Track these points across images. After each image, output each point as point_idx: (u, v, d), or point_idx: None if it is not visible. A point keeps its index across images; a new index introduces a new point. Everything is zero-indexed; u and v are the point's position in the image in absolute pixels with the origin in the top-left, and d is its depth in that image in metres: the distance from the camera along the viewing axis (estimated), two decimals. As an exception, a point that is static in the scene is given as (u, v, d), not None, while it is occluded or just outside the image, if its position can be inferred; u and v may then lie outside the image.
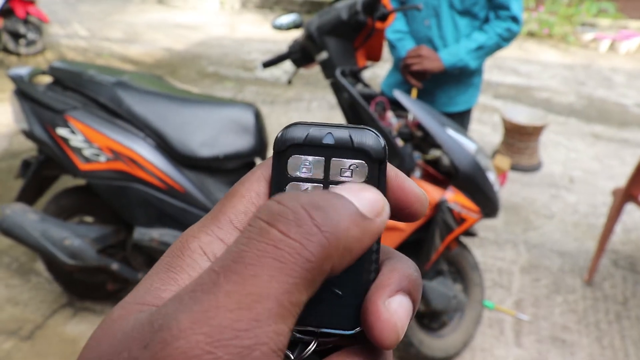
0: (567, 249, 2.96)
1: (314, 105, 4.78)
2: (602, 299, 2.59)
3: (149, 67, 5.60)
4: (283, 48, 6.51)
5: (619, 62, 6.88)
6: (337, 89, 1.87)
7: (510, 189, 3.53)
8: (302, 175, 0.25)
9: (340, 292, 0.24)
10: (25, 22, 5.69)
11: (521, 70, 6.23)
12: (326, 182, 0.25)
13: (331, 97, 4.94)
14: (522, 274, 2.72)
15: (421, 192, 0.26)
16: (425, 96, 2.18)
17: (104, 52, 6.16)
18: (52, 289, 2.37)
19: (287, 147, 0.25)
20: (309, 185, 0.25)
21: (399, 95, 1.84)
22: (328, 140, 0.25)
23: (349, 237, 0.21)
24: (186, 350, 0.18)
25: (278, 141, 0.26)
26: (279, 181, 0.25)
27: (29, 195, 2.16)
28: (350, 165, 0.25)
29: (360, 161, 0.25)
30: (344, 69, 1.80)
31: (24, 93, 1.96)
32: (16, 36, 5.72)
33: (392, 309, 0.23)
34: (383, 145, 0.25)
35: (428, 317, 2.07)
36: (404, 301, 0.23)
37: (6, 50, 5.78)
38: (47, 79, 2.06)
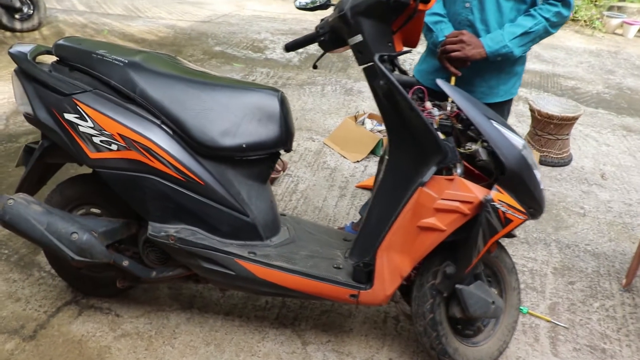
0: (602, 250, 2.79)
1: (328, 90, 4.59)
2: (642, 306, 2.42)
3: (152, 46, 5.40)
4: (294, 27, 6.31)
5: (648, 50, 6.63)
6: (372, 75, 1.69)
7: (539, 183, 3.35)
8: None
9: None
10: None
11: (545, 56, 5.99)
12: None
13: (346, 82, 4.75)
14: (555, 276, 2.56)
15: None
16: (463, 85, 1.99)
17: (104, 29, 5.94)
18: (55, 284, 2.23)
19: None
20: None
21: (441, 83, 1.66)
22: None
23: None
24: None
25: None
26: None
27: (30, 185, 2.00)
28: None
29: None
30: (383, 55, 1.62)
31: (27, 73, 1.79)
32: (11, 10, 5.49)
33: None
34: None
35: (462, 323, 1.91)
36: None
37: (1, 25, 5.57)
38: (50, 58, 1.88)
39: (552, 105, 3.49)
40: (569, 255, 2.73)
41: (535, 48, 6.15)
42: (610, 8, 7.57)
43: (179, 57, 2.07)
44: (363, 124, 3.63)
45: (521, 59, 2.03)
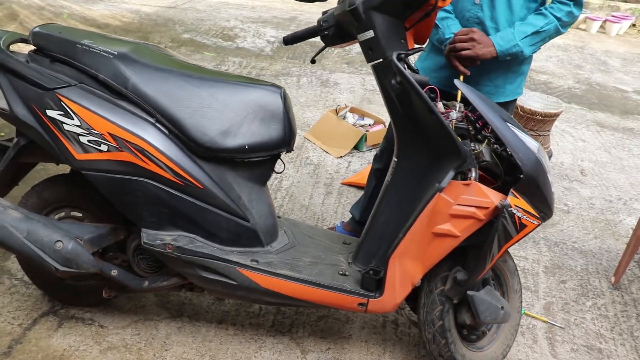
0: (588, 248, 2.80)
1: (303, 81, 4.47)
2: (632, 304, 2.44)
3: (117, 32, 5.13)
4: (263, 15, 6.12)
5: (611, 45, 6.77)
6: (383, 74, 1.60)
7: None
8: None
9: None
10: None
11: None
12: None
13: (321, 73, 4.64)
14: (546, 275, 2.55)
15: None
16: (469, 84, 1.92)
17: (63, 12, 5.60)
18: (29, 292, 2.05)
19: None
20: None
21: (459, 84, 1.59)
22: None
23: None
24: None
25: None
26: None
27: (1, 186, 1.83)
28: None
29: None
30: (401, 53, 1.53)
31: (0, 64, 1.61)
32: None
33: None
34: None
35: (468, 328, 1.86)
36: None
37: None
38: (26, 47, 1.70)
39: (534, 102, 3.49)
40: (558, 253, 2.72)
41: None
42: (574, 3, 7.71)
43: (168, 48, 1.92)
44: (344, 118, 3.54)
45: (528, 59, 1.98)
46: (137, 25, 5.47)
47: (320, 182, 3.05)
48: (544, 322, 2.26)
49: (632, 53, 6.54)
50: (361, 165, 3.27)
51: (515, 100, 2.06)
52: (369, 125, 3.52)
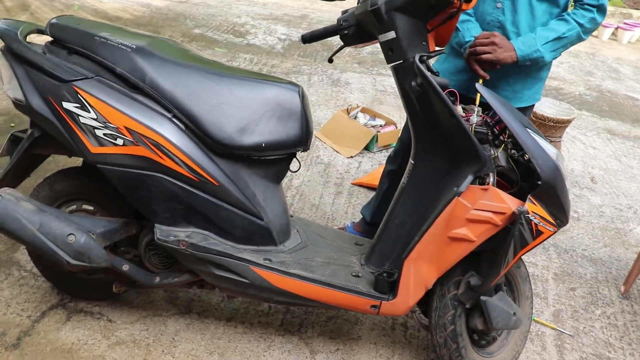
0: (598, 256, 2.78)
1: (314, 80, 4.46)
2: (641, 314, 2.42)
3: (128, 25, 5.13)
4: (274, 12, 6.09)
5: (623, 53, 6.73)
6: (403, 75, 1.59)
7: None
8: None
9: None
10: None
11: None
12: None
13: (332, 72, 4.62)
14: (556, 282, 2.53)
15: None
16: (487, 88, 1.91)
17: (74, 4, 5.59)
18: (38, 285, 2.04)
19: None
20: None
21: (481, 88, 1.57)
22: None
23: None
24: None
25: None
26: None
27: (13, 177, 1.82)
28: None
29: None
30: (423, 55, 1.52)
31: (17, 54, 1.60)
32: None
33: None
34: None
35: (479, 333, 1.85)
36: None
37: None
38: (43, 38, 1.69)
39: (547, 107, 3.47)
40: (568, 260, 2.71)
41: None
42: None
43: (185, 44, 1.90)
44: (356, 118, 3.53)
45: (547, 65, 1.96)
46: (147, 18, 5.46)
47: (330, 182, 3.04)
48: (553, 329, 2.24)
49: (643, 61, 6.52)
50: (372, 166, 3.25)
51: (532, 106, 2.05)
52: (380, 126, 3.51)
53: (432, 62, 2.04)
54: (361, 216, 2.46)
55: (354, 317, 2.11)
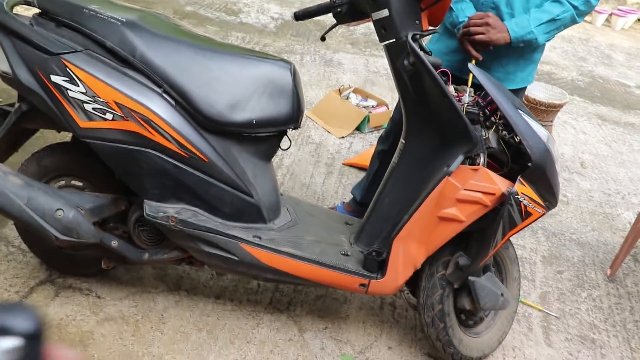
0: (586, 240, 2.81)
1: (307, 60, 4.42)
2: (626, 297, 2.46)
3: (119, 0, 5.04)
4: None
5: (616, 39, 6.73)
6: (395, 54, 1.58)
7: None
8: None
9: None
10: None
11: (519, 40, 6.00)
12: None
13: (325, 52, 4.58)
14: (544, 265, 2.56)
15: (74, 354, 0.28)
16: (480, 68, 1.90)
17: None
18: (26, 260, 2.02)
19: None
20: None
21: (473, 69, 1.57)
22: None
23: None
24: None
25: None
26: None
27: (0, 152, 1.80)
28: (3, 346, 0.26)
29: (13, 340, 0.26)
30: (416, 34, 1.51)
31: (3, 25, 1.56)
32: None
33: None
34: (39, 321, 0.28)
35: (466, 313, 1.87)
36: None
37: None
38: (30, 10, 1.66)
39: (539, 91, 3.46)
40: (556, 243, 2.73)
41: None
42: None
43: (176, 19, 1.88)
44: (348, 98, 3.51)
45: (541, 47, 1.96)
46: (139, -5, 5.37)
47: (321, 162, 3.03)
48: (540, 310, 2.27)
49: (636, 48, 6.51)
50: (363, 147, 3.25)
51: (525, 88, 2.05)
52: (372, 107, 3.50)
53: (425, 41, 2.03)
54: (351, 196, 2.46)
55: (342, 296, 2.12)
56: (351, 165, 3.02)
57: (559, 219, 2.93)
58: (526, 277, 2.45)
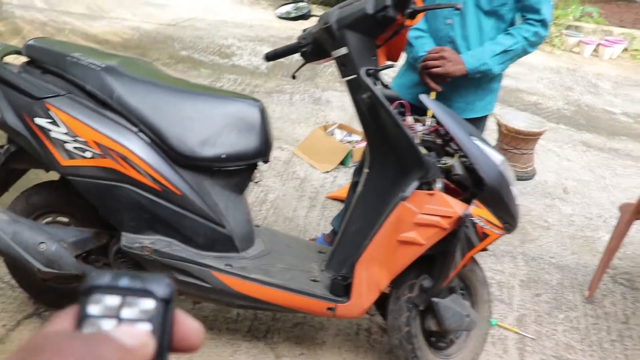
0: (565, 263, 2.87)
1: (296, 99, 4.57)
2: (603, 317, 2.50)
3: (116, 48, 5.25)
4: (261, 34, 6.21)
5: (603, 68, 6.87)
6: (355, 88, 1.69)
7: (505, 196, 3.42)
8: (99, 313, 0.29)
9: None
10: None
11: (508, 71, 6.08)
12: (118, 318, 0.29)
13: (314, 91, 4.75)
14: (522, 288, 2.62)
15: (198, 325, 0.32)
16: (441, 100, 2.00)
17: (65, 28, 5.73)
18: (15, 295, 2.12)
19: (89, 289, 0.30)
20: (105, 321, 0.29)
21: (425, 99, 1.68)
22: (124, 284, 0.30)
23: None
24: None
25: (84, 284, 0.30)
26: (80, 319, 0.29)
27: None
28: (141, 304, 0.30)
29: (150, 301, 0.30)
30: (369, 69, 1.63)
31: None
32: None
33: None
34: (171, 289, 0.31)
35: (436, 335, 1.93)
36: None
37: None
38: (20, 59, 1.80)
39: (519, 121, 3.58)
40: (535, 267, 2.79)
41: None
42: (569, 27, 7.84)
43: (146, 59, 2.02)
44: (333, 134, 3.64)
45: (498, 77, 2.07)
46: (136, 41, 5.60)
47: (305, 196, 3.13)
48: (516, 333, 2.32)
49: (623, 76, 6.64)
50: (347, 180, 3.35)
51: (486, 116, 2.15)
52: (356, 141, 3.61)
53: (391, 76, 2.15)
54: (332, 227, 2.55)
55: (319, 323, 2.19)
56: (334, 199, 3.12)
57: (539, 244, 3.00)
58: (503, 300, 2.51)
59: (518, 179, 3.65)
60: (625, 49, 7.52)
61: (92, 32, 5.76)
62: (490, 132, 4.16)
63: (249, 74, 5.00)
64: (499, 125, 3.64)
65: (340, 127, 3.73)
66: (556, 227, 3.19)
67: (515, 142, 3.54)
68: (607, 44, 7.24)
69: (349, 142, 3.58)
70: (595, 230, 3.22)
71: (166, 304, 0.30)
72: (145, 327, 0.29)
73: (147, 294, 0.30)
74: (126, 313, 0.29)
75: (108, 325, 0.29)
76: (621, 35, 7.67)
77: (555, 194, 3.59)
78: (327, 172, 3.40)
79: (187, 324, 0.31)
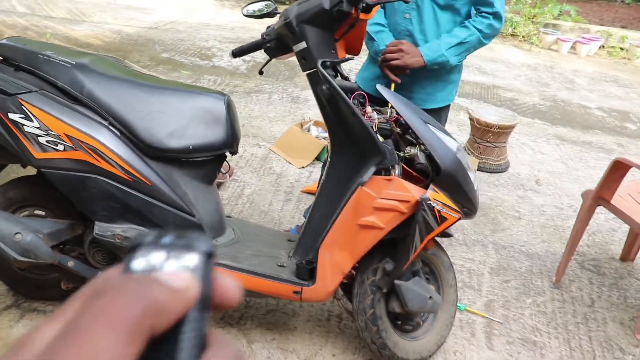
0: (535, 251, 2.96)
1: (275, 98, 4.65)
2: (569, 301, 2.59)
3: (98, 50, 5.31)
4: (241, 36, 6.29)
5: (580, 65, 7.01)
6: (315, 81, 1.77)
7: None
8: (144, 268, 0.30)
9: None
10: None
11: (486, 69, 6.26)
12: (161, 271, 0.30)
13: (292, 90, 4.83)
14: (491, 275, 2.70)
15: (235, 283, 0.33)
16: (402, 92, 2.10)
17: (47, 32, 5.79)
18: (-5, 287, 2.18)
19: (134, 247, 0.31)
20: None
21: (382, 89, 1.76)
22: (167, 241, 0.31)
23: (162, 300, 0.27)
24: None
25: (132, 243, 0.32)
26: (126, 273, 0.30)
27: None
28: (184, 258, 0.31)
29: (193, 254, 0.31)
30: (325, 61, 1.71)
31: None
32: None
33: None
34: (213, 246, 0.32)
35: (402, 318, 2.00)
36: None
37: None
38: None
39: (491, 115, 3.67)
40: (505, 255, 2.88)
41: (476, 61, 6.42)
42: (546, 25, 7.98)
43: (126, 60, 2.09)
44: (309, 131, 3.72)
45: (457, 68, 2.16)
46: (117, 44, 5.66)
47: (280, 190, 3.21)
48: (483, 317, 2.40)
49: (599, 72, 6.78)
50: (323, 175, 3.43)
51: (447, 106, 2.24)
52: (334, 137, 3.69)
53: (354, 69, 2.22)
54: (304, 219, 2.62)
55: (291, 310, 2.26)
56: (309, 193, 3.20)
57: (509, 233, 3.09)
58: (472, 287, 2.59)
59: (491, 172, 3.75)
60: (602, 46, 7.68)
61: (74, 35, 5.82)
62: (466, 126, 4.27)
63: (229, 74, 5.08)
64: (471, 119, 3.73)
65: (316, 124, 3.81)
66: (527, 217, 3.28)
67: (487, 135, 3.64)
68: (584, 42, 7.38)
69: (324, 138, 3.66)
70: (565, 219, 3.31)
71: (208, 259, 0.31)
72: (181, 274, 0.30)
73: (190, 249, 0.31)
74: (170, 266, 0.30)
75: None
76: (598, 32, 7.82)
77: (528, 185, 3.68)
78: (303, 167, 3.48)
79: (226, 282, 0.32)
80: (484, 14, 1.99)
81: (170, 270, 0.30)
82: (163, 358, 0.28)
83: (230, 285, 0.32)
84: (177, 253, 0.31)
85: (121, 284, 0.27)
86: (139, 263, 0.30)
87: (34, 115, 1.72)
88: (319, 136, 3.67)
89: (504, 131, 3.64)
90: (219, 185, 3.10)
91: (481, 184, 3.59)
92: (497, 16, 1.99)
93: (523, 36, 7.74)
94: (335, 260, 1.80)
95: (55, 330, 0.26)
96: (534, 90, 5.74)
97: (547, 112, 5.15)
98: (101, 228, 1.79)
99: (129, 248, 0.31)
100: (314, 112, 4.37)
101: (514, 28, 7.75)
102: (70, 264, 1.87)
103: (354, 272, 1.96)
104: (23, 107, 1.72)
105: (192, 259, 0.31)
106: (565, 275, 2.75)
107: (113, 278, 0.28)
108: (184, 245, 0.31)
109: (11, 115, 1.72)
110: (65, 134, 1.71)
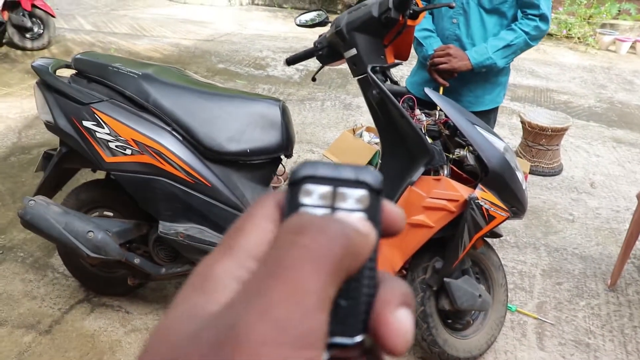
0: (589, 253, 2.91)
1: (327, 105, 4.75)
2: (626, 304, 2.54)
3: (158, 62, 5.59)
4: (294, 46, 6.43)
5: (640, 66, 6.80)
6: (366, 86, 1.84)
7: (530, 192, 3.48)
8: (313, 203, 0.29)
9: (344, 304, 0.27)
10: (31, 15, 5.58)
11: (539, 72, 6.16)
12: (333, 208, 0.29)
13: (345, 97, 4.92)
14: (543, 278, 2.69)
15: (401, 210, 0.31)
16: (451, 95, 2.14)
17: (111, 47, 6.12)
18: (68, 284, 2.36)
19: (301, 179, 0.30)
20: (319, 210, 0.29)
21: (430, 92, 1.81)
22: (335, 174, 0.30)
23: (356, 243, 0.26)
24: (256, 338, 0.22)
25: (293, 174, 0.30)
26: (292, 207, 0.29)
27: (47, 189, 2.16)
28: (354, 194, 0.29)
29: (362, 191, 0.29)
30: (375, 66, 1.78)
31: (48, 85, 1.95)
32: (22, 30, 5.63)
33: (402, 320, 0.27)
34: (380, 179, 0.30)
35: (453, 316, 2.04)
36: (408, 313, 0.27)
37: (12, 44, 5.72)
38: (70, 71, 2.05)
39: (543, 118, 3.64)
40: (557, 258, 2.85)
41: (529, 64, 6.32)
42: (603, 26, 7.76)
43: (187, 70, 2.23)
44: (361, 136, 3.78)
45: (505, 70, 2.18)
46: (176, 57, 5.92)
47: (333, 193, 3.28)
48: (535, 318, 2.40)
49: (661, 73, 6.55)
50: (374, 179, 3.48)
51: (496, 108, 2.26)
52: (384, 142, 3.74)
53: (405, 75, 2.29)
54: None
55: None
56: (361, 195, 3.25)
57: (562, 236, 3.05)
58: (524, 288, 2.59)
59: (544, 175, 3.71)
60: (664, 45, 7.39)
61: (135, 49, 6.12)
62: (518, 130, 4.23)
63: (283, 83, 5.22)
64: (523, 122, 3.71)
65: (368, 130, 3.87)
66: (581, 220, 3.24)
67: (540, 138, 3.61)
68: (645, 41, 7.14)
69: (376, 143, 3.72)
70: (622, 222, 3.24)
71: (377, 194, 0.29)
72: (362, 217, 0.29)
73: (359, 184, 0.29)
74: (340, 203, 0.29)
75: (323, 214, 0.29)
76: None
77: (582, 188, 3.62)
78: (355, 171, 3.54)
79: (393, 210, 0.31)
80: (530, 16, 2.01)
81: (341, 207, 0.29)
82: (345, 297, 0.27)
83: (397, 214, 0.31)
84: (346, 188, 0.29)
85: (323, 223, 0.26)
86: (306, 198, 0.29)
87: (104, 122, 1.87)
88: (371, 142, 3.73)
89: (556, 134, 3.59)
90: (275, 189, 3.21)
91: (534, 187, 3.56)
92: (543, 18, 2.01)
93: (578, 38, 7.56)
94: (385, 258, 1.86)
95: (246, 266, 0.26)
96: (590, 92, 5.61)
97: (603, 114, 5.03)
98: (165, 227, 1.91)
99: (291, 180, 0.30)
100: (365, 119, 4.44)
101: (569, 30, 7.58)
102: (136, 260, 2.01)
103: (404, 271, 2.01)
104: (95, 115, 1.87)
105: (363, 198, 0.29)
106: (621, 279, 2.70)
107: (315, 217, 0.27)
108: (352, 179, 0.29)
109: (85, 123, 1.88)
110: (133, 139, 1.86)
